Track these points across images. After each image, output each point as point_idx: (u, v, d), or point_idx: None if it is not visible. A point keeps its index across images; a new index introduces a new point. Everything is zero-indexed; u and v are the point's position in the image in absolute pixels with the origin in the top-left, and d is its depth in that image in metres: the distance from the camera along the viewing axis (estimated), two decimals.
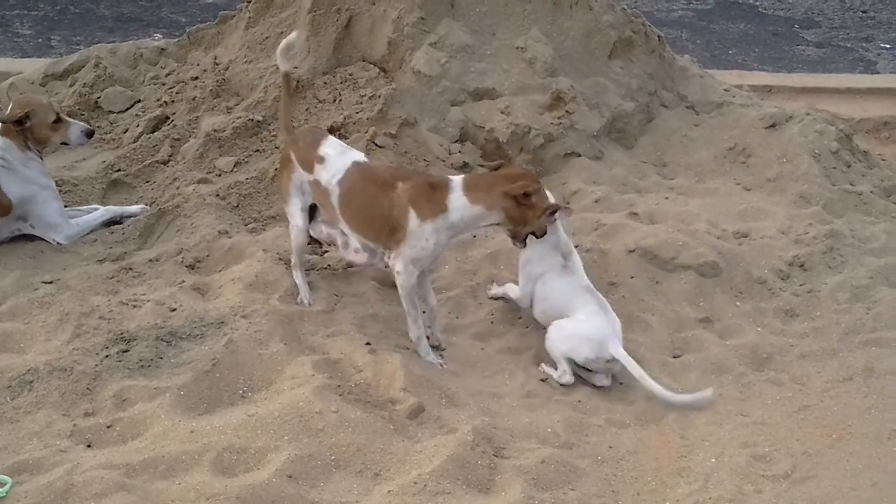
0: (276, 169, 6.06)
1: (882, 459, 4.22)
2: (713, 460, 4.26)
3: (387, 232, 4.80)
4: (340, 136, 6.36)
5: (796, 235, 5.98)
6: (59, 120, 5.98)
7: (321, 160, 4.98)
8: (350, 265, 5.45)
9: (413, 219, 4.71)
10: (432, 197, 4.72)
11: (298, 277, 5.25)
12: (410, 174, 4.94)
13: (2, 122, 5.87)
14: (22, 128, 5.83)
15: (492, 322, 5.28)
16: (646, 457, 4.33)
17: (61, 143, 6.08)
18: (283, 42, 5.15)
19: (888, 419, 4.45)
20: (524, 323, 5.29)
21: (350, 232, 5.04)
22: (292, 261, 5.27)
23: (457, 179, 4.78)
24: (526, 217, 4.71)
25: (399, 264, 4.79)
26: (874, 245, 5.92)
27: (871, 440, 4.34)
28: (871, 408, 4.54)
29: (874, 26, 12.17)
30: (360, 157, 5.05)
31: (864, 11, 12.47)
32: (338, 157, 4.97)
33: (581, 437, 4.41)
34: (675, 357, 5.10)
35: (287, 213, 5.24)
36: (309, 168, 5.03)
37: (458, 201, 4.69)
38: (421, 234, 4.71)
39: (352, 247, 5.17)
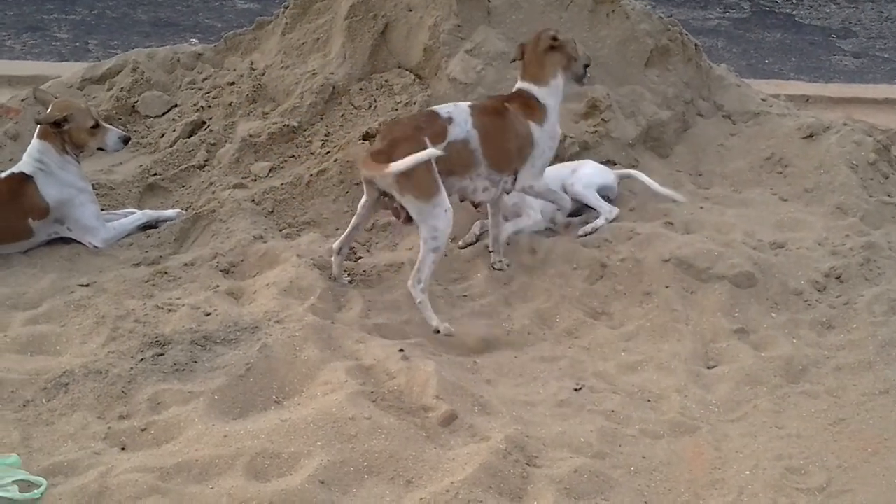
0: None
1: None
2: (747, 472, 4.22)
3: (517, 153, 5.47)
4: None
5: (833, 247, 5.93)
6: (97, 125, 6.03)
7: (450, 121, 5.26)
8: (478, 205, 5.69)
9: (535, 129, 5.49)
10: (529, 103, 5.52)
11: (425, 300, 5.22)
12: (500, 97, 5.65)
13: (39, 123, 5.92)
14: (60, 130, 5.88)
15: (528, 333, 5.27)
16: (679, 468, 4.30)
17: (98, 149, 6.12)
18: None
19: None
20: (557, 332, 5.28)
21: (486, 170, 5.40)
22: (422, 277, 5.16)
23: (521, 83, 5.63)
24: (573, 55, 5.68)
25: (529, 178, 5.54)
26: None
27: None
28: None
29: None
30: (464, 102, 5.52)
31: None
32: (456, 110, 5.34)
33: (614, 447, 4.38)
34: (709, 368, 5.06)
35: (436, 203, 5.08)
36: (441, 137, 5.19)
37: (541, 92, 5.55)
38: (544, 137, 5.51)
39: (480, 188, 5.45)
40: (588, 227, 6.03)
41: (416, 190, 5.02)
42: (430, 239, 5.09)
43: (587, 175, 6.28)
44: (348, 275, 5.56)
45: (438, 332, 5.13)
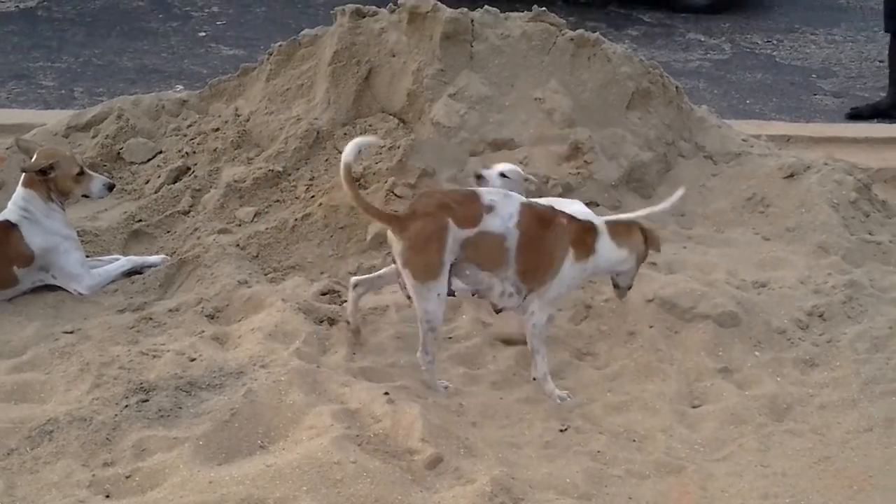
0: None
1: None
2: None
3: (543, 270, 4.96)
4: (360, 187, 6.42)
5: (815, 285, 5.97)
6: (82, 172, 6.05)
7: (490, 209, 4.84)
8: (499, 311, 5.25)
9: (570, 258, 4.96)
10: (586, 238, 5.00)
11: (431, 368, 5.04)
12: (560, 212, 5.08)
13: (25, 172, 5.94)
14: (46, 178, 5.90)
15: (513, 374, 5.28)
16: None
17: (83, 196, 6.14)
18: (361, 138, 5.11)
19: None
20: None
21: (513, 275, 4.95)
22: (428, 349, 4.98)
23: (600, 222, 5.10)
24: (644, 252, 5.21)
25: (536, 304, 4.98)
26: (894, 295, 5.90)
27: (892, 491, 4.31)
28: (893, 458, 4.51)
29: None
30: (520, 196, 5.08)
31: (880, 61, 12.47)
32: (504, 201, 4.90)
33: (600, 487, 4.39)
34: (693, 407, 5.07)
35: (430, 287, 4.80)
36: (471, 223, 4.81)
37: (605, 244, 5.04)
38: (571, 274, 5.00)
39: (505, 292, 5.00)
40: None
41: (415, 268, 4.79)
42: (425, 321, 4.88)
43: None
44: (330, 321, 5.55)
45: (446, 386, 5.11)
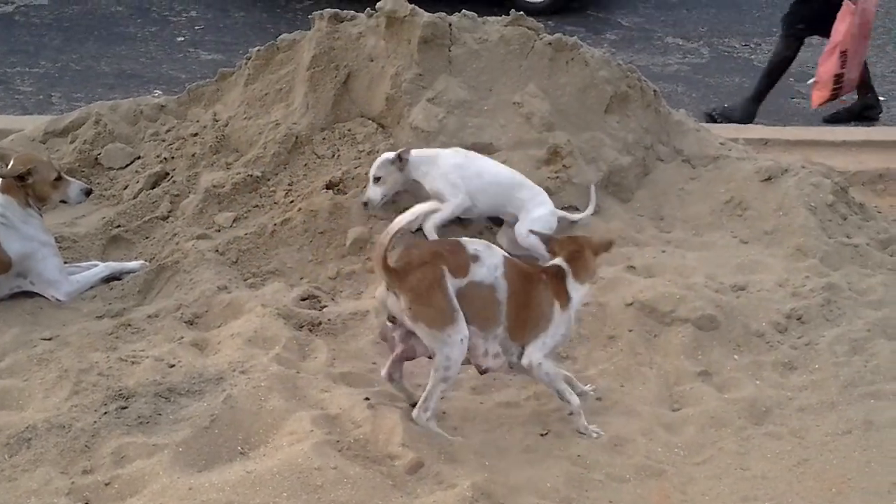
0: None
1: None
2: None
3: (534, 324, 4.79)
4: (338, 192, 6.42)
5: (794, 288, 5.99)
6: (59, 178, 6.04)
7: (475, 258, 4.65)
8: (484, 372, 4.86)
9: (557, 309, 4.82)
10: (560, 285, 4.88)
11: (432, 425, 4.70)
12: (535, 265, 5.12)
13: (3, 177, 5.91)
14: (23, 184, 5.88)
15: (494, 379, 5.27)
16: None
17: (60, 201, 6.12)
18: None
19: (888, 473, 4.44)
20: (522, 377, 5.30)
21: (503, 332, 4.75)
22: (431, 405, 4.66)
23: (560, 262, 4.95)
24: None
25: (538, 355, 4.76)
26: (871, 298, 5.93)
27: (870, 494, 4.33)
28: (871, 461, 4.53)
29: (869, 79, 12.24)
30: (498, 248, 4.89)
31: None
32: (487, 252, 4.72)
33: (581, 491, 4.39)
34: (673, 410, 5.08)
35: (450, 333, 4.52)
36: (463, 272, 4.60)
37: (573, 286, 4.91)
38: (561, 322, 4.84)
39: (491, 352, 4.75)
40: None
41: (430, 319, 4.51)
42: (443, 368, 4.59)
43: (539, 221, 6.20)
44: (311, 325, 5.55)
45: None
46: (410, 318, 4.53)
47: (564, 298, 4.84)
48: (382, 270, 4.49)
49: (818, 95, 8.79)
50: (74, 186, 6.13)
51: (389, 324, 4.74)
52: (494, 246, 4.87)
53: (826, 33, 9.25)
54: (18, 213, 5.87)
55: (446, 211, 6.09)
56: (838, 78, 8.10)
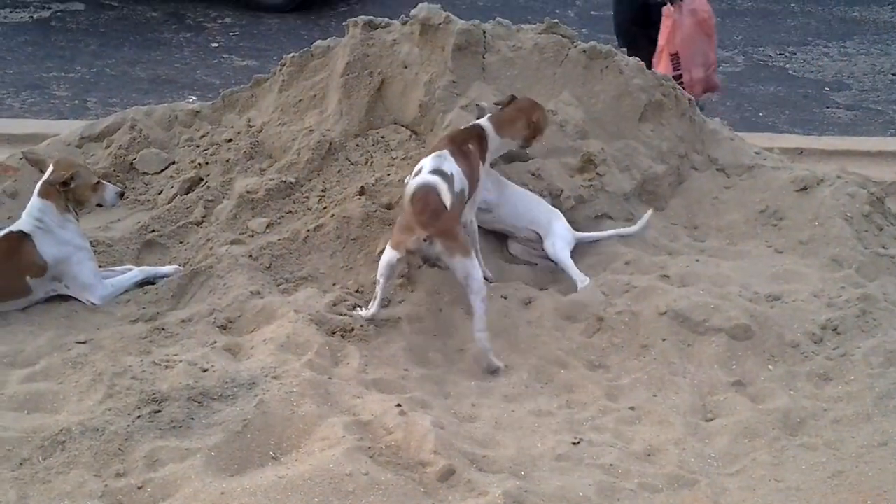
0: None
1: None
2: None
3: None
4: (371, 197, 6.43)
5: (829, 299, 5.94)
6: (98, 182, 6.09)
7: (449, 178, 5.50)
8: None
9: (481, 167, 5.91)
10: (482, 141, 5.98)
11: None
12: (460, 134, 6.02)
13: (49, 183, 5.95)
14: (66, 189, 5.93)
15: (525, 387, 5.27)
16: None
17: (97, 205, 6.18)
18: None
19: None
20: (555, 385, 5.29)
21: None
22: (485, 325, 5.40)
23: (484, 121, 6.05)
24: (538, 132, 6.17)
25: (469, 213, 5.91)
26: None
27: None
28: None
29: None
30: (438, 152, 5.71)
31: (894, 74, 12.49)
32: (445, 163, 5.58)
33: (613, 501, 4.37)
34: (707, 420, 5.06)
35: (474, 254, 5.53)
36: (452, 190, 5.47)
37: (493, 135, 5.99)
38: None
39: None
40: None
41: (462, 250, 5.32)
42: (479, 289, 5.32)
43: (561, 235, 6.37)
44: (343, 331, 5.56)
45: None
46: (449, 255, 5.30)
47: (485, 154, 5.96)
48: (419, 224, 5.25)
49: None
50: (110, 190, 6.19)
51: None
52: (439, 153, 5.65)
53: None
54: (56, 219, 5.92)
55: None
56: (676, 79, 8.07)
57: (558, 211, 6.48)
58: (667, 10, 8.51)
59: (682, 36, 8.50)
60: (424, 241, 5.22)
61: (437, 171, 5.47)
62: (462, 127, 6.18)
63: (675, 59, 8.52)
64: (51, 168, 6.01)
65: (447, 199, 5.34)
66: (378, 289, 5.54)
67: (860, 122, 11.02)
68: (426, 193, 5.38)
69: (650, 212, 6.69)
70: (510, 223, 6.40)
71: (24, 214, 5.98)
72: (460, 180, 5.58)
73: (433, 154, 5.65)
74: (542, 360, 5.47)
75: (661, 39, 8.58)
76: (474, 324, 5.36)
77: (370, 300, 5.67)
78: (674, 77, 8.15)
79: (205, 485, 4.17)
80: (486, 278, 5.76)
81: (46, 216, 5.89)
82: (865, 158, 9.08)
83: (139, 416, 4.62)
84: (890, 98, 11.78)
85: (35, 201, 5.96)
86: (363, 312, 5.63)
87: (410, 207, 5.34)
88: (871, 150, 9.47)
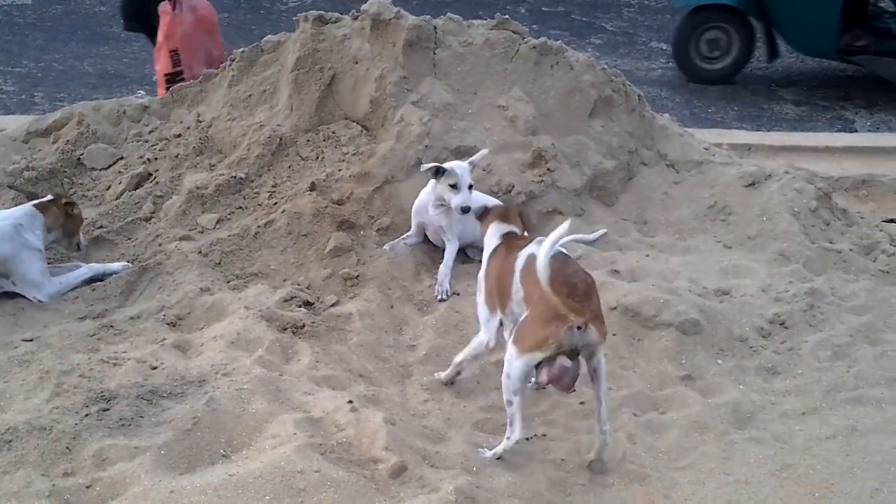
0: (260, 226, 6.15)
1: None
2: None
3: None
4: (321, 193, 6.40)
5: (777, 293, 6.00)
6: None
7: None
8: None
9: None
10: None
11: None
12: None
13: (55, 203, 6.14)
14: (66, 215, 6.14)
15: (477, 383, 5.27)
16: None
17: (75, 247, 6.37)
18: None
19: (870, 478, 4.45)
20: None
21: None
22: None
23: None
24: None
25: None
26: (854, 303, 5.94)
27: (853, 499, 4.34)
28: (854, 466, 4.55)
29: (852, 85, 12.30)
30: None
31: (841, 70, 12.60)
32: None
33: (564, 496, 4.39)
34: (658, 414, 5.08)
35: None
36: None
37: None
38: None
39: None
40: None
41: (605, 337, 4.48)
42: (605, 376, 4.57)
43: None
44: (294, 328, 5.53)
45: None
46: (599, 342, 4.41)
47: None
48: (569, 309, 4.24)
49: (159, 92, 8.72)
50: (83, 238, 6.39)
51: (565, 363, 4.36)
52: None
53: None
54: (37, 229, 5.96)
55: None
56: (175, 76, 8.17)
57: None
58: (163, 7, 8.49)
59: (181, 33, 8.49)
60: (579, 328, 4.25)
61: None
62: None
63: (174, 55, 8.52)
64: (50, 196, 6.19)
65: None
66: (515, 409, 4.50)
67: (807, 118, 11.12)
68: (564, 265, 4.52)
69: (604, 230, 6.65)
70: (473, 234, 5.99)
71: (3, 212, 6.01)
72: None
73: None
74: (493, 355, 5.45)
75: (160, 35, 8.56)
76: (602, 417, 4.54)
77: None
78: (174, 73, 8.27)
79: (154, 484, 4.13)
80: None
81: (26, 223, 5.92)
82: (813, 154, 9.17)
83: (87, 415, 4.56)
84: (837, 94, 11.90)
85: (26, 208, 6.04)
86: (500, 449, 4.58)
87: (551, 289, 4.25)
88: (819, 145, 9.56)
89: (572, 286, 4.36)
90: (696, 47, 11.90)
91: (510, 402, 4.46)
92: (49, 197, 6.21)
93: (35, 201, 6.14)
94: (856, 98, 11.77)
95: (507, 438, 4.51)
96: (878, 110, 11.33)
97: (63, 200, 6.19)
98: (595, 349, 4.42)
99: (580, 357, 4.38)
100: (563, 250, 4.67)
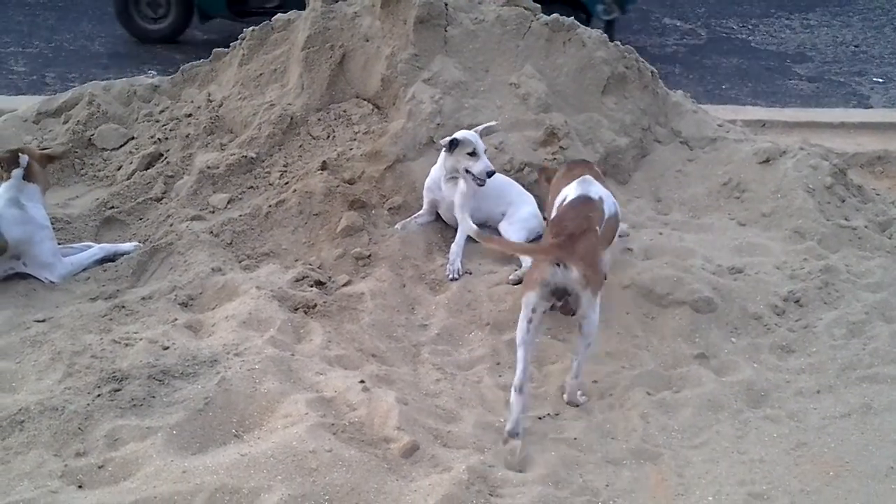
0: (271, 205, 6.13)
1: (880, 497, 4.20)
2: (710, 498, 4.23)
3: None
4: (333, 172, 6.38)
5: (791, 271, 5.96)
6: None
7: (601, 201, 5.16)
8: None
9: None
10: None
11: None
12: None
13: (55, 156, 6.32)
14: (48, 163, 6.21)
15: (498, 363, 5.25)
16: (643, 495, 4.29)
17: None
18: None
19: (885, 456, 4.43)
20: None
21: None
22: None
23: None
24: None
25: None
26: (869, 280, 5.90)
27: (868, 477, 4.32)
28: (869, 444, 4.52)
29: (866, 60, 12.23)
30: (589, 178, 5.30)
31: (856, 46, 12.53)
32: (596, 188, 5.23)
33: (577, 475, 4.37)
34: (672, 392, 5.06)
35: (599, 296, 4.68)
36: (602, 218, 5.06)
37: None
38: None
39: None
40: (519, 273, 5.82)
41: (594, 284, 4.58)
42: (592, 333, 4.72)
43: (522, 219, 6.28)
44: (306, 308, 5.52)
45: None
46: (582, 287, 4.53)
47: None
48: (553, 245, 4.56)
49: None
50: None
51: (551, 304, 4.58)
52: (587, 177, 5.25)
53: None
54: (38, 200, 5.95)
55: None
56: None
57: (531, 197, 6.41)
58: None
59: None
60: (558, 265, 4.49)
61: (597, 188, 5.18)
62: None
63: None
64: (26, 158, 6.00)
65: (600, 217, 4.94)
66: (518, 356, 4.62)
67: (822, 93, 11.06)
68: (571, 209, 4.94)
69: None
70: (486, 211, 6.28)
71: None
72: (612, 204, 5.25)
73: (577, 181, 5.20)
74: (504, 334, 5.44)
75: None
76: (573, 369, 4.82)
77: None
78: None
79: (166, 463, 4.12)
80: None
81: (27, 199, 5.90)
82: (828, 130, 9.12)
83: (99, 395, 4.56)
84: (852, 70, 11.83)
85: (16, 182, 5.92)
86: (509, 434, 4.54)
87: (549, 229, 4.68)
88: (833, 121, 9.50)
89: (562, 228, 4.66)
90: (137, 7, 12.25)
91: (517, 346, 4.62)
92: (24, 158, 6.03)
93: (18, 169, 5.99)
94: (870, 74, 11.69)
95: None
96: (893, 86, 11.24)
97: (38, 153, 6.14)
98: (579, 296, 4.54)
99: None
100: (588, 193, 5.03)
